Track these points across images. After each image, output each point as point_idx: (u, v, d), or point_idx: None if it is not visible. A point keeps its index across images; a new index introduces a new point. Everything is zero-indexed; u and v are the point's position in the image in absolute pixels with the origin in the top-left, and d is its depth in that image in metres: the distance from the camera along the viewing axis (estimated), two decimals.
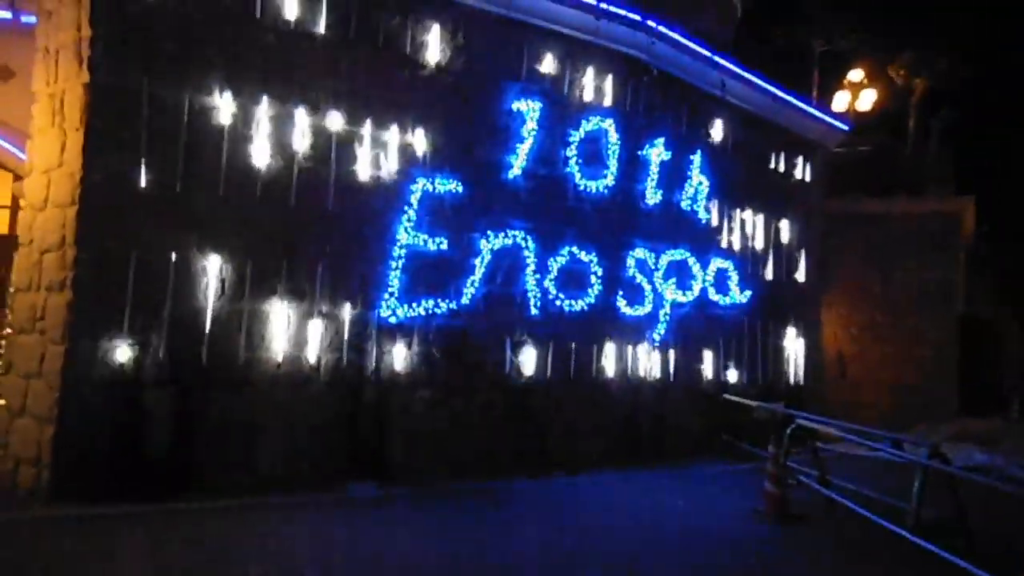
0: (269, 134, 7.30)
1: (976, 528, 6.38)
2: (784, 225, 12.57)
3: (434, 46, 8.29)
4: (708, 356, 11.04)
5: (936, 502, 6.47)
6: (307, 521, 6.53)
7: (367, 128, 7.88)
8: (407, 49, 8.15)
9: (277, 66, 7.36)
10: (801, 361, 12.82)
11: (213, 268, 7.02)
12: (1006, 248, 21.67)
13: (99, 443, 6.42)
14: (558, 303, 9.17)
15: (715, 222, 11.26)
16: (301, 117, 7.48)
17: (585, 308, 9.41)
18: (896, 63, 20.35)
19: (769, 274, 12.25)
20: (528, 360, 8.95)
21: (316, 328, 7.56)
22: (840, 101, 20.65)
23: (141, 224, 6.65)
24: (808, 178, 13.15)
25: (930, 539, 5.85)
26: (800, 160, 12.92)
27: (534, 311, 8.98)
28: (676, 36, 9.90)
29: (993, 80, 21.61)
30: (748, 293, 11.71)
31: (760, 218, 12.09)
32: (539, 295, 9.02)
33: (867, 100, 20.76)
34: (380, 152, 7.98)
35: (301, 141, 7.49)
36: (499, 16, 8.62)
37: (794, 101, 12.29)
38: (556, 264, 9.16)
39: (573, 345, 9.32)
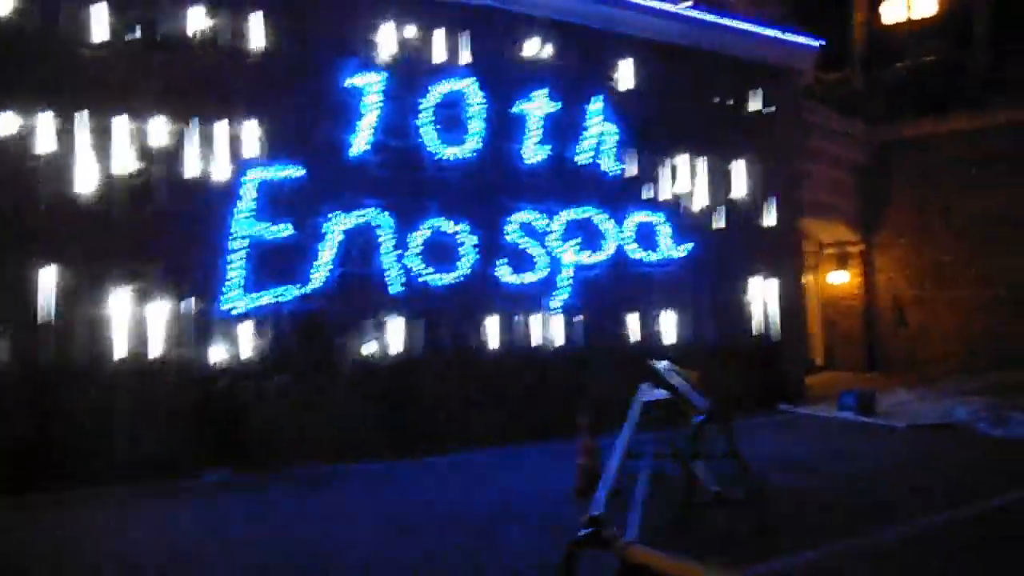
0: (93, 144, 7.88)
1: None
2: (740, 166, 11.43)
3: (256, 33, 8.46)
4: (633, 319, 10.33)
5: None
6: (151, 507, 7.07)
7: (193, 125, 8.23)
8: (225, 40, 8.39)
9: (91, 78, 7.91)
10: (774, 316, 11.60)
11: (51, 276, 7.73)
12: None
13: None
14: (424, 278, 9.05)
15: (633, 173, 10.48)
16: (122, 124, 7.98)
17: (459, 280, 9.19)
18: None
19: (719, 223, 11.19)
20: (395, 339, 8.92)
21: (160, 323, 8.06)
22: (891, 11, 18.30)
23: None
24: (773, 110, 11.79)
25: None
26: (758, 91, 11.64)
27: (398, 288, 8.93)
28: None
29: None
30: (687, 246, 10.81)
31: (702, 162, 11.10)
32: (401, 272, 8.95)
33: (926, 5, 18.23)
34: (209, 147, 8.31)
35: (127, 147, 8.00)
36: None
37: (726, 22, 11.11)
38: (418, 238, 9.03)
39: (448, 320, 9.15)
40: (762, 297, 11.57)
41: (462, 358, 9.21)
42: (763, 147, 11.68)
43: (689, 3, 14.36)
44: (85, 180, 7.85)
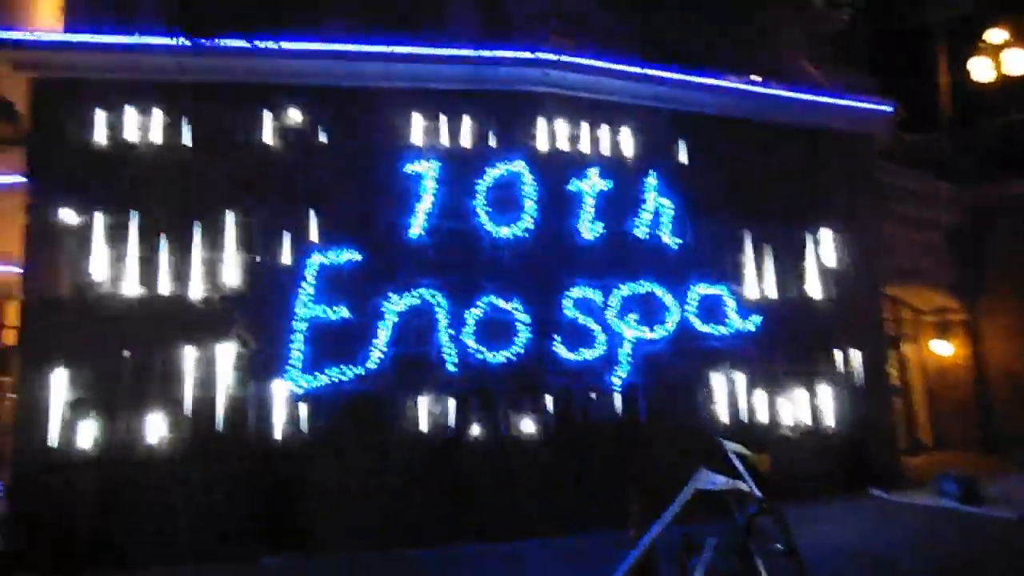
0: (171, 237, 8.56)
1: None
2: (812, 235, 10.98)
3: (320, 129, 9.06)
4: (699, 396, 9.88)
5: None
6: None
7: (261, 216, 8.81)
8: (293, 137, 9.01)
9: (170, 178, 8.67)
10: (858, 391, 10.79)
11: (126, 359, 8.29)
12: None
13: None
14: (479, 356, 9.06)
15: (695, 245, 10.25)
16: (198, 219, 8.65)
17: (513, 358, 9.14)
18: None
19: (791, 294, 10.69)
20: (449, 420, 8.90)
21: (222, 403, 8.42)
22: (981, 69, 17.52)
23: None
24: (845, 176, 11.35)
25: None
26: (828, 158, 11.27)
27: (452, 368, 8.98)
28: (581, 61, 9.53)
29: None
30: (756, 319, 10.35)
31: (770, 232, 10.72)
32: (455, 350, 9.01)
33: (1018, 63, 17.34)
34: (275, 236, 8.83)
35: (201, 239, 8.64)
36: (377, 88, 9.19)
37: (789, 94, 10.90)
38: (473, 317, 9.11)
39: (502, 398, 9.06)
40: (844, 371, 10.83)
41: (516, 437, 9.05)
42: (837, 214, 11.21)
43: (758, 78, 14.35)
44: (164, 269, 8.52)
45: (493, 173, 9.42)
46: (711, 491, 5.73)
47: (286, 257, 8.81)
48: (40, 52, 8.62)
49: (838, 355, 10.83)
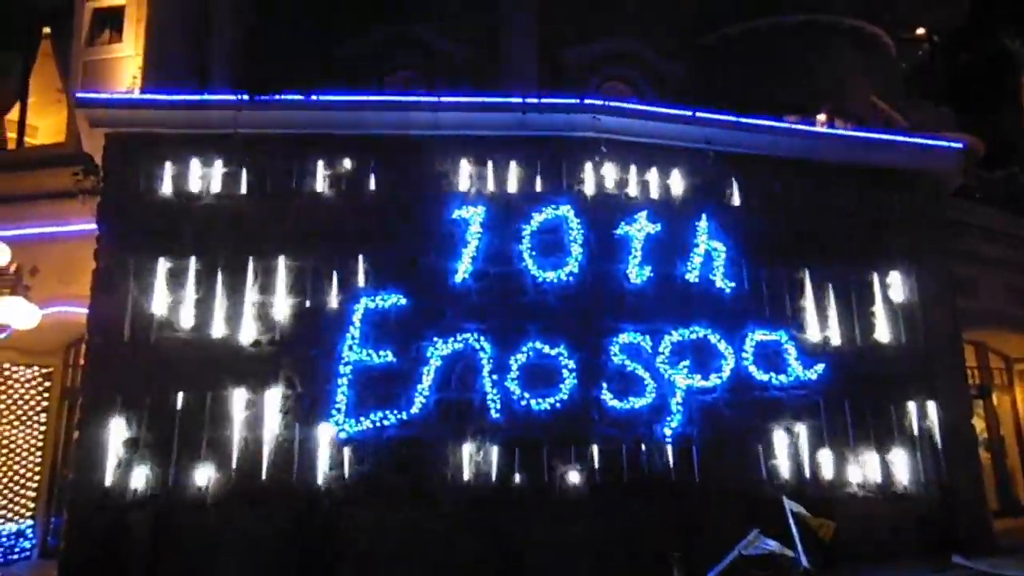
0: (227, 283, 8.86)
1: None
2: (878, 278, 10.35)
3: (364, 177, 9.27)
4: (756, 450, 9.32)
5: None
6: None
7: (311, 261, 9.01)
8: (342, 185, 9.24)
9: (228, 226, 9.02)
10: (938, 447, 9.94)
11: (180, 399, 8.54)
12: None
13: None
14: (523, 403, 8.87)
15: (751, 290, 9.83)
16: (251, 264, 8.93)
17: (558, 405, 8.90)
18: None
19: (856, 342, 10.05)
20: (492, 468, 8.70)
21: (268, 448, 8.51)
22: None
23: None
24: (914, 215, 10.71)
25: None
26: (894, 198, 10.68)
27: (495, 414, 8.82)
28: (626, 105, 9.45)
29: None
30: (819, 367, 9.76)
31: (832, 276, 10.17)
32: (500, 396, 8.86)
33: None
34: (324, 281, 8.99)
35: (255, 284, 8.90)
36: (426, 137, 9.36)
37: (849, 133, 10.48)
38: (517, 362, 8.96)
39: (546, 447, 8.80)
40: (919, 424, 10.02)
41: (562, 489, 8.73)
42: (903, 254, 10.54)
43: (824, 118, 13.92)
44: (220, 314, 8.79)
45: (539, 218, 9.37)
46: (756, 557, 5.33)
47: (334, 301, 8.95)
48: (112, 110, 9.20)
49: (912, 406, 10.05)
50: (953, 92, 18.60)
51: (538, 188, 9.49)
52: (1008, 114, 17.27)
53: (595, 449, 8.89)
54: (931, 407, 10.15)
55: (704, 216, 9.83)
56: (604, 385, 9.07)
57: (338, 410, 8.66)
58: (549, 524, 8.60)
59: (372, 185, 9.28)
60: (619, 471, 8.89)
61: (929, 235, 10.80)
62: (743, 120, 10.00)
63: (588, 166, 9.63)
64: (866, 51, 14.75)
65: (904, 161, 10.79)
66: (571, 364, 9.03)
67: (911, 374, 10.18)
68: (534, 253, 9.29)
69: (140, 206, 9.07)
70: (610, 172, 9.69)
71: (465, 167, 9.45)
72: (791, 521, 5.67)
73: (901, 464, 9.83)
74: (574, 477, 8.81)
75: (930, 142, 10.94)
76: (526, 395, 8.89)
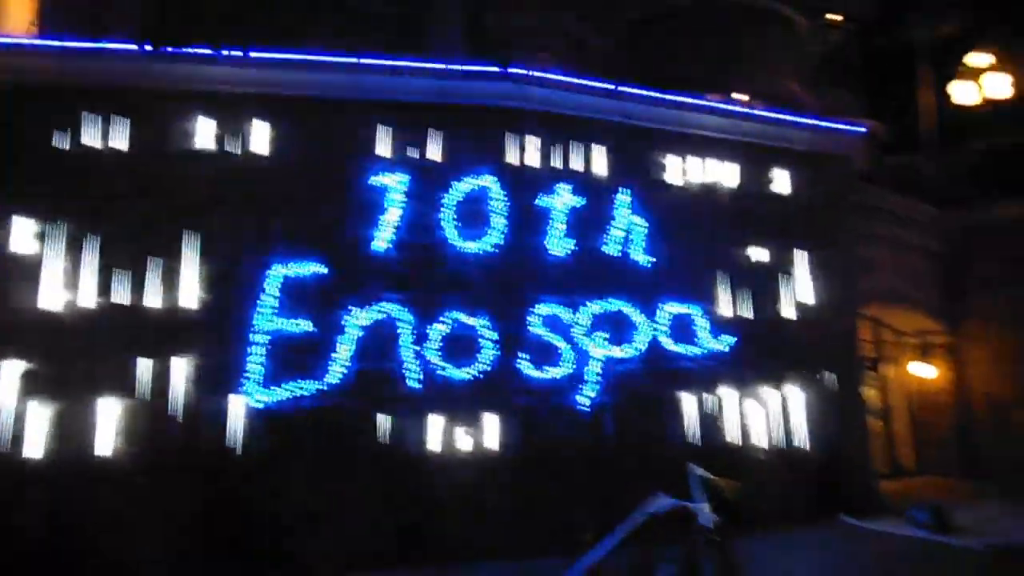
0: (126, 245, 8.41)
1: None
2: (786, 255, 10.86)
3: (281, 140, 8.94)
4: (669, 417, 9.70)
5: None
6: None
7: (223, 227, 8.66)
8: (257, 146, 8.88)
9: (133, 187, 8.53)
10: (832, 415, 10.62)
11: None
12: None
13: None
14: (443, 372, 8.89)
15: (667, 264, 10.13)
16: (157, 227, 8.50)
17: (478, 375, 8.98)
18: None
19: (765, 315, 10.56)
20: (411, 437, 8.71)
21: (177, 418, 8.22)
22: (962, 92, 17.53)
23: None
24: (820, 197, 11.25)
25: None
26: (802, 178, 11.18)
27: (414, 384, 8.81)
28: (552, 76, 9.47)
29: None
30: (729, 340, 10.21)
31: (744, 251, 10.61)
32: (420, 366, 8.85)
33: (1000, 86, 17.38)
34: (235, 247, 8.67)
35: (158, 251, 8.49)
36: (345, 100, 9.09)
37: (763, 113, 10.89)
38: (438, 333, 8.95)
39: (467, 416, 8.89)
40: (818, 393, 10.67)
41: (480, 456, 8.86)
42: (814, 235, 11.10)
43: (745, 97, 14.34)
44: (123, 279, 8.36)
45: (462, 187, 9.31)
46: (665, 514, 5.59)
47: (245, 268, 8.64)
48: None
49: (812, 376, 10.68)
50: (864, 79, 19.45)
51: (461, 157, 9.41)
52: (912, 102, 18.23)
53: (513, 418, 9.04)
54: (827, 378, 10.81)
55: (625, 191, 10.03)
56: (523, 355, 9.20)
57: (251, 379, 8.44)
58: (467, 492, 8.73)
59: (288, 148, 8.96)
60: (537, 440, 9.08)
61: (836, 218, 11.40)
62: (664, 96, 10.21)
63: (512, 137, 9.62)
64: (784, 35, 15.28)
65: (817, 145, 11.30)
66: (492, 335, 9.09)
67: (811, 347, 10.80)
68: (457, 223, 9.25)
69: (35, 163, 8.47)
70: (534, 144, 9.71)
71: (386, 133, 9.24)
72: (696, 484, 5.98)
73: (799, 431, 10.46)
74: (492, 445, 8.94)
75: (835, 125, 11.46)
76: (446, 365, 8.92)
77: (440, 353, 8.94)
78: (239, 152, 8.86)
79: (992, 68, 17.22)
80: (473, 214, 9.33)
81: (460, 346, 9.02)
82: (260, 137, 8.93)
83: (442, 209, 9.23)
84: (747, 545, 8.30)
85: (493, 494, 8.79)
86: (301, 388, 8.53)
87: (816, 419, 10.56)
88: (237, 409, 8.38)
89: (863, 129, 11.59)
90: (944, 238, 15.50)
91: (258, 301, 8.57)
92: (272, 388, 8.46)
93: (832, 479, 10.16)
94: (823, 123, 11.33)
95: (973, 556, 8.10)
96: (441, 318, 9.01)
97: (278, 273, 8.68)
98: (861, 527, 9.44)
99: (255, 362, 8.46)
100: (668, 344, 9.94)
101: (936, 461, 15.14)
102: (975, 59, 17.33)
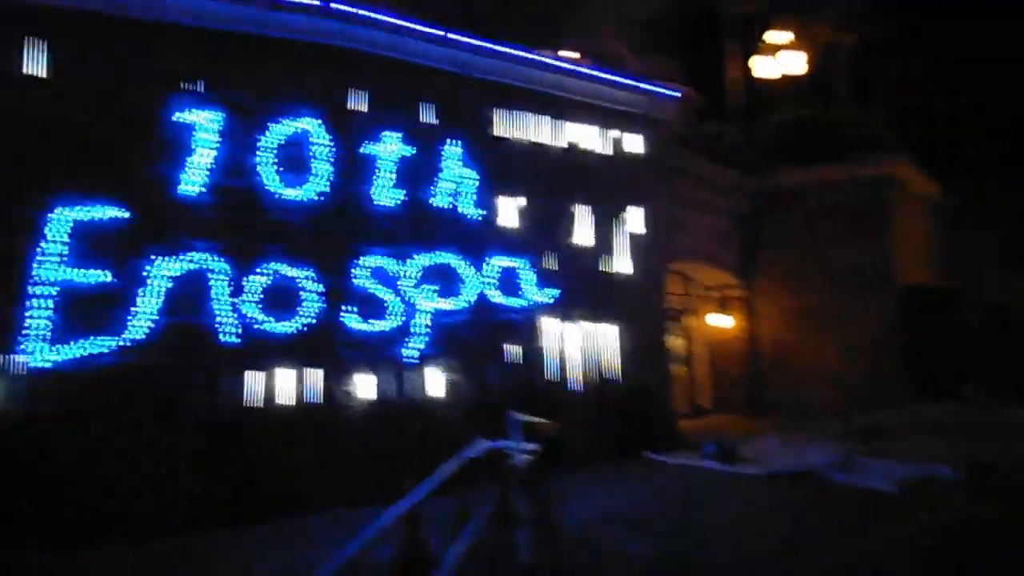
0: None
1: None
2: (606, 212, 11.47)
3: (70, 64, 7.88)
4: (497, 367, 10.04)
5: None
6: None
7: None
8: (40, 75, 7.77)
9: None
10: (641, 361, 11.55)
11: None
12: (963, 208, 19.41)
13: None
14: (262, 326, 8.49)
15: (496, 217, 10.33)
16: None
17: (302, 328, 8.68)
18: (818, 17, 18.76)
19: (584, 268, 11.16)
20: (230, 392, 8.27)
21: None
22: (763, 67, 19.26)
23: None
24: (639, 156, 11.97)
25: None
26: (623, 139, 11.80)
27: (232, 338, 8.34)
28: (379, 16, 9.13)
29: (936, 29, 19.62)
30: (553, 292, 10.68)
31: (567, 207, 11.07)
32: (237, 320, 8.37)
33: (796, 63, 19.30)
34: (10, 187, 7.59)
35: None
36: (149, 21, 8.16)
37: (587, 70, 11.33)
38: (257, 284, 8.50)
39: (290, 371, 8.59)
40: (630, 342, 11.51)
41: (304, 411, 8.63)
42: (629, 194, 11.80)
43: (575, 55, 14.71)
44: None
45: (281, 130, 8.78)
46: (481, 457, 5.78)
47: (23, 211, 7.59)
48: None
49: (625, 326, 11.49)
50: (683, 47, 20.69)
51: (281, 97, 8.85)
52: (722, 73, 19.74)
53: (338, 371, 8.87)
54: (640, 327, 11.70)
55: (456, 143, 10.00)
56: (349, 308, 9.01)
57: (34, 337, 7.52)
58: (294, 447, 8.49)
59: (75, 72, 7.89)
60: (363, 392, 8.99)
61: (653, 179, 12.17)
62: (494, 47, 10.24)
63: (337, 79, 9.18)
64: None
65: (637, 106, 11.92)
66: (316, 287, 8.79)
67: (626, 299, 11.60)
68: (278, 168, 8.74)
69: None
70: (362, 88, 9.35)
71: (198, 65, 8.45)
72: (515, 427, 6.27)
73: (612, 377, 11.27)
74: (316, 400, 8.73)
75: (655, 88, 12.14)
76: (266, 318, 8.52)
77: (259, 306, 8.51)
78: (18, 77, 7.67)
79: (789, 46, 19.09)
80: (295, 159, 8.85)
81: (281, 299, 8.63)
82: (49, 63, 7.79)
83: (260, 152, 8.67)
84: (562, 482, 8.94)
85: (321, 447, 8.62)
86: (98, 345, 7.76)
87: (627, 366, 11.42)
88: (19, 369, 7.47)
89: (678, 94, 12.39)
90: (745, 202, 17.19)
91: (40, 248, 7.61)
92: (61, 346, 7.61)
93: (640, 420, 11.09)
94: (643, 85, 11.94)
95: (753, 482, 9.27)
96: (260, 269, 8.54)
97: (65, 217, 7.72)
98: (664, 461, 10.44)
99: (38, 317, 7.54)
100: (495, 296, 10.20)
101: (731, 401, 17.04)
102: (774, 36, 19.11)
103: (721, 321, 17.37)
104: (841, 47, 19.05)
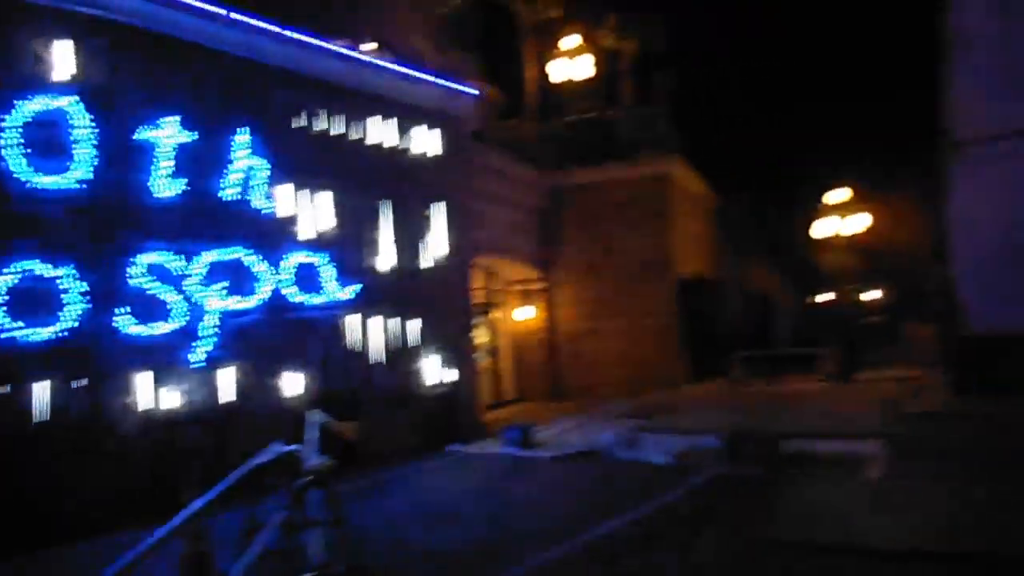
0: None
1: None
2: (408, 207, 11.46)
3: None
4: (294, 368, 9.62)
5: None
6: None
7: None
8: None
9: None
10: (446, 356, 11.72)
11: None
12: (731, 203, 22.13)
13: None
14: (14, 334, 7.38)
15: (292, 211, 9.88)
16: None
17: (63, 334, 7.67)
18: (604, 27, 20.16)
19: (387, 264, 11.06)
20: None
21: None
22: (557, 70, 20.32)
23: None
24: (439, 152, 12.07)
25: None
26: (422, 134, 11.82)
27: None
28: None
29: (709, 40, 22.21)
30: (355, 288, 10.45)
31: (367, 201, 10.88)
32: None
33: (585, 67, 20.56)
34: None
35: None
36: None
37: (383, 64, 11.22)
38: (3, 286, 7.36)
39: (49, 384, 7.55)
40: (433, 337, 11.59)
41: (68, 429, 7.63)
42: (430, 188, 11.86)
43: (374, 45, 14.41)
44: None
45: (31, 108, 7.65)
46: (272, 463, 5.50)
47: None
48: None
49: (429, 321, 11.56)
50: (484, 46, 21.17)
51: (32, 71, 7.72)
52: (520, 73, 20.51)
53: (113, 381, 7.96)
54: (446, 321, 11.84)
55: (244, 130, 9.38)
56: (123, 310, 8.09)
57: None
58: (59, 468, 7.47)
59: None
60: (142, 403, 8.14)
61: (455, 173, 12.32)
62: (282, 32, 9.72)
63: (98, 55, 8.14)
64: None
65: (436, 102, 11.99)
66: (80, 287, 7.78)
67: (431, 294, 11.67)
68: (27, 152, 7.61)
69: None
70: (133, 66, 8.42)
71: None
72: (311, 430, 6.04)
73: (417, 372, 11.29)
74: (84, 412, 7.75)
75: (454, 85, 12.30)
76: (17, 324, 7.39)
77: (6, 310, 7.37)
78: None
79: (579, 51, 20.30)
80: (50, 142, 7.77)
81: (36, 301, 7.54)
82: None
83: (3, 134, 7.49)
84: (365, 480, 8.81)
85: (95, 466, 7.67)
86: None
87: (432, 360, 11.50)
88: None
89: (477, 92, 12.66)
90: (543, 197, 18.05)
91: None
92: None
93: (446, 413, 11.23)
94: (441, 81, 12.04)
95: (547, 463, 9.80)
96: (6, 269, 7.40)
97: None
98: (468, 452, 10.67)
99: None
100: (293, 294, 9.74)
101: (533, 390, 17.85)
102: (566, 42, 20.22)
103: (524, 313, 18.13)
104: (623, 54, 20.58)
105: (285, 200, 9.80)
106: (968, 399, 11.30)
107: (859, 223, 20.32)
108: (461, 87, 12.38)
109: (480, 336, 15.60)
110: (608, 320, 17.88)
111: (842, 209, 20.44)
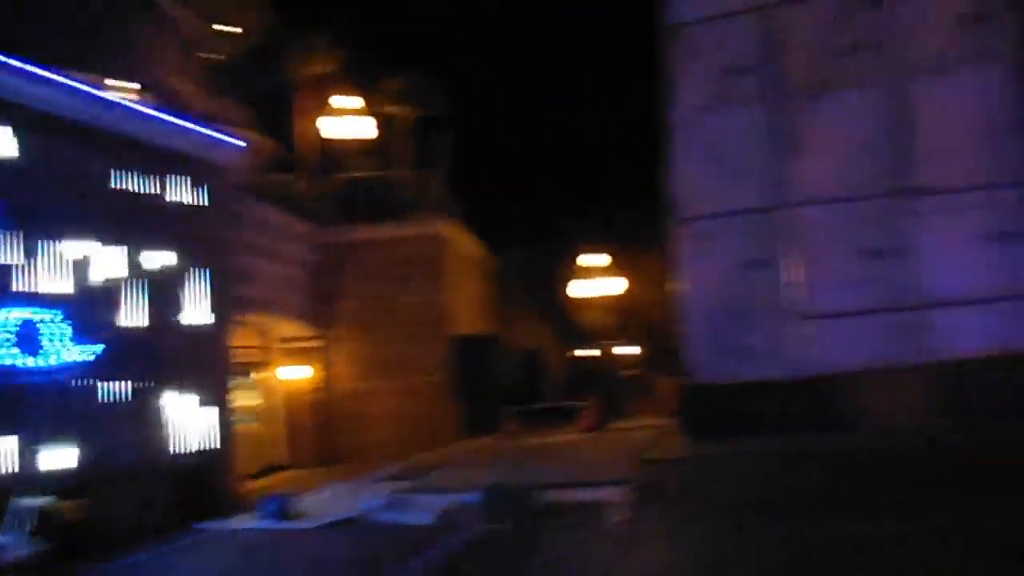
0: None
1: None
2: (161, 260, 10.60)
3: None
4: (9, 444, 8.36)
5: None
6: None
7: None
8: None
9: None
10: (200, 424, 10.87)
11: None
12: (506, 262, 23.46)
13: None
14: None
15: (17, 261, 8.75)
16: None
17: None
18: (381, 89, 20.62)
19: (135, 322, 10.14)
20: None
21: None
22: (332, 127, 20.17)
23: None
24: (200, 204, 11.39)
25: None
26: (183, 184, 11.14)
27: None
28: None
29: (488, 104, 23.73)
30: (95, 348, 9.41)
31: (113, 253, 9.94)
32: None
33: (362, 126, 20.68)
34: None
35: None
36: None
37: (141, 109, 10.56)
38: None
39: None
40: (187, 403, 10.72)
41: None
42: (189, 241, 11.08)
43: (136, 86, 13.36)
44: None
45: None
46: None
47: None
48: None
49: (182, 385, 10.67)
50: (257, 96, 20.50)
51: None
52: (292, 128, 20.12)
53: None
54: (202, 384, 10.99)
55: None
56: None
57: None
58: None
59: None
60: None
61: (213, 226, 11.64)
62: (18, 65, 8.77)
63: None
64: (170, 30, 15.01)
65: (198, 150, 11.37)
66: None
67: (187, 353, 10.81)
68: None
69: None
70: None
71: None
72: (15, 514, 5.28)
73: (165, 442, 10.35)
74: None
75: (216, 135, 11.74)
76: None
77: None
78: None
79: (356, 111, 20.46)
80: None
81: None
82: None
83: None
84: (89, 573, 7.71)
85: None
86: None
87: (182, 429, 10.60)
88: None
89: (243, 144, 12.25)
90: (319, 253, 17.71)
91: None
92: None
93: (195, 486, 10.32)
94: (203, 130, 11.47)
95: (302, 535, 9.34)
96: None
97: None
98: (215, 530, 9.75)
99: None
100: (12, 356, 8.52)
101: (306, 454, 17.03)
102: (340, 100, 20.23)
103: (298, 373, 17.39)
104: (400, 116, 21.13)
105: (14, 247, 8.65)
106: (701, 443, 12.84)
107: (615, 285, 22.47)
108: (225, 136, 11.89)
109: (247, 398, 14.71)
110: (384, 379, 17.79)
111: (599, 272, 22.47)
